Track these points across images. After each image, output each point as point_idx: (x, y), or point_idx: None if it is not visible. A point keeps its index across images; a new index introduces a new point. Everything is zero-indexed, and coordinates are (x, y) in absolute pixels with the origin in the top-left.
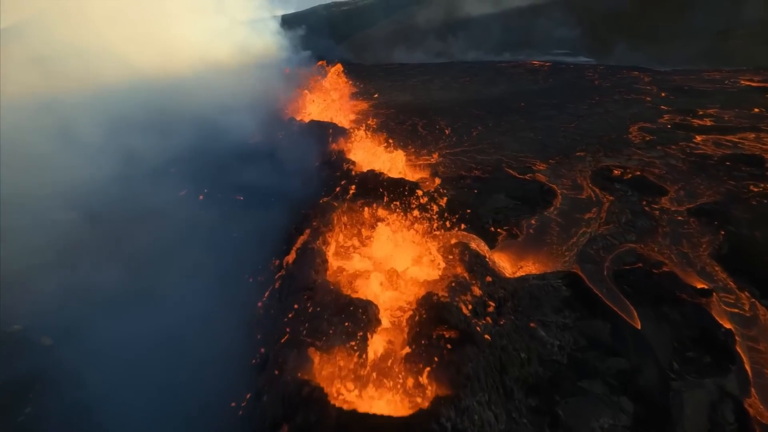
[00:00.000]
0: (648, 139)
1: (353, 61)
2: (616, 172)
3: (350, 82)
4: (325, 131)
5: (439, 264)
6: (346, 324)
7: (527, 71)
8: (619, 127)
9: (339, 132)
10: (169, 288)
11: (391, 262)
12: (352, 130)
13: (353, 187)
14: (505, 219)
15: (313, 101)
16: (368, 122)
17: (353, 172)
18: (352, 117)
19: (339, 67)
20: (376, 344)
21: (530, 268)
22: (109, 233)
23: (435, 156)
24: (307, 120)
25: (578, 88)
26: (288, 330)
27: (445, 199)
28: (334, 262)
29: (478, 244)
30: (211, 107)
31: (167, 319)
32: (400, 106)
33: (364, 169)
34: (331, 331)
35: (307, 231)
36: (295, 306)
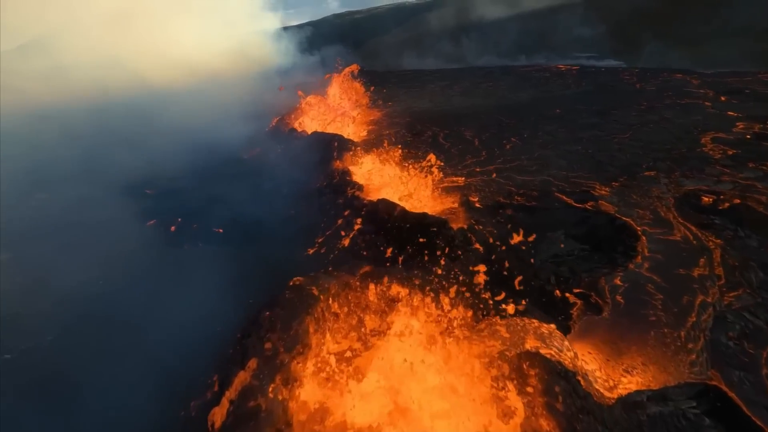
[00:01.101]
0: (731, 153)
1: (366, 68)
2: (707, 199)
3: (363, 90)
4: (328, 146)
5: (513, 409)
6: None
7: (554, 75)
8: (687, 139)
9: (345, 147)
10: None
11: (417, 398)
12: (361, 145)
13: (357, 225)
14: (574, 276)
15: (319, 110)
16: (381, 134)
17: (358, 203)
18: (363, 128)
19: (354, 67)
20: None
21: (639, 375)
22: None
23: (464, 176)
24: (309, 132)
25: (618, 93)
26: None
27: (484, 243)
28: (312, 397)
29: (562, 350)
30: (208, 116)
31: None
32: (418, 114)
33: (374, 198)
34: None
35: (254, 362)
36: None
